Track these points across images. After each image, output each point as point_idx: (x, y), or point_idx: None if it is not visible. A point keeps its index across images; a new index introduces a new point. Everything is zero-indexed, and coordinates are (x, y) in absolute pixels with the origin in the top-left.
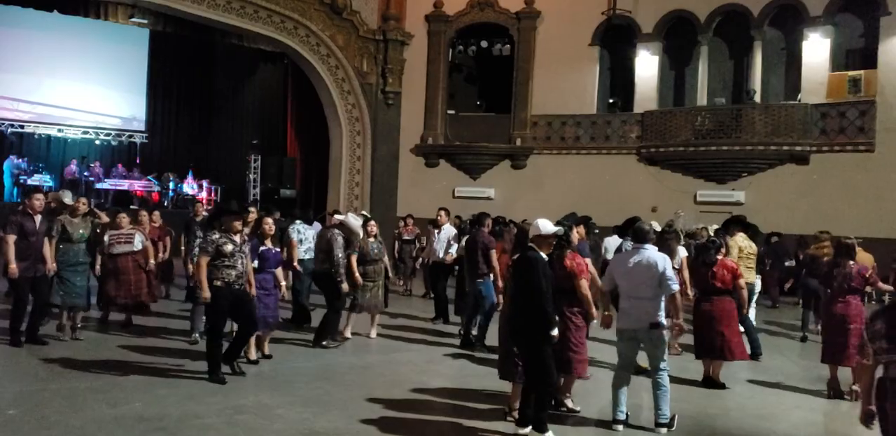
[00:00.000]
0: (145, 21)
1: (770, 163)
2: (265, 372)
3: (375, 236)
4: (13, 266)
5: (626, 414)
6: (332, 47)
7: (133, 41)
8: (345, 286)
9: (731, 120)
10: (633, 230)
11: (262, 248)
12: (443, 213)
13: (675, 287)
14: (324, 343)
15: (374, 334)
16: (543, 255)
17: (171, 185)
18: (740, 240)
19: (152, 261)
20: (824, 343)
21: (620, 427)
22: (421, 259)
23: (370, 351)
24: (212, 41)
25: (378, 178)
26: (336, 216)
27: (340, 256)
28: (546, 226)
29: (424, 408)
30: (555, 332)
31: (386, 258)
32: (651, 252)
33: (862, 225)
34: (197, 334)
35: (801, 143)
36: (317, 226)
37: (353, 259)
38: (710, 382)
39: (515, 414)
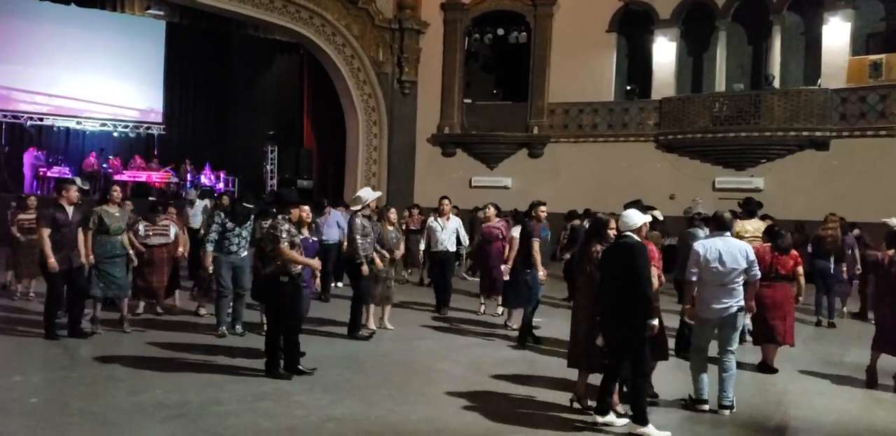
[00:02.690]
0: (161, 13)
1: (789, 149)
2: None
3: (394, 225)
4: (52, 260)
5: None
6: (348, 37)
7: (150, 33)
8: (364, 269)
9: (750, 106)
10: (714, 218)
11: (300, 237)
12: (446, 202)
13: (759, 274)
14: (357, 334)
15: (389, 324)
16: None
17: (189, 176)
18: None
19: (181, 249)
20: (878, 332)
21: (706, 406)
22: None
23: (388, 339)
24: (228, 32)
25: (395, 168)
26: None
27: (357, 238)
28: (636, 217)
29: (443, 395)
30: (654, 321)
31: (402, 248)
32: (736, 240)
33: (883, 211)
34: (224, 328)
35: (820, 128)
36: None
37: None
38: (765, 367)
39: (586, 402)
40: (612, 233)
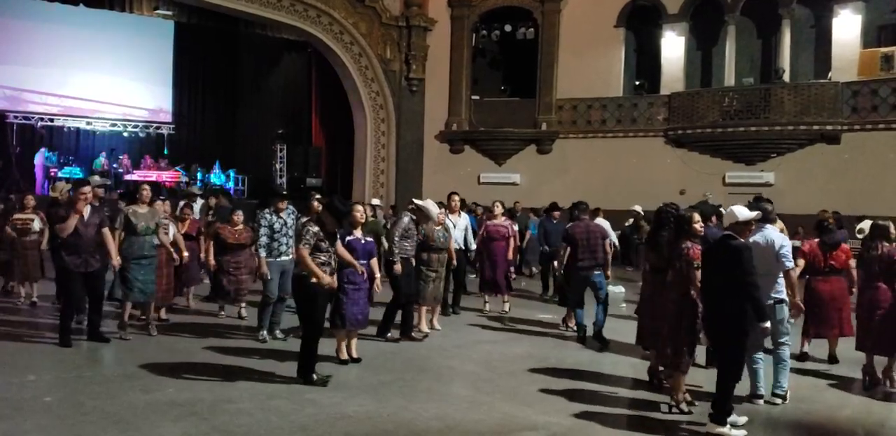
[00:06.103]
0: (170, 13)
1: (800, 143)
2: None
3: (442, 224)
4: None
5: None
6: (356, 35)
7: (158, 33)
8: (397, 267)
9: (760, 100)
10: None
11: (349, 238)
12: (456, 197)
13: (790, 264)
14: (388, 335)
15: (437, 325)
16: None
17: (199, 175)
18: None
19: (186, 254)
20: (857, 330)
21: (761, 402)
22: None
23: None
24: (236, 32)
25: (403, 165)
26: (415, 201)
27: (396, 237)
28: (743, 212)
29: (455, 392)
30: (767, 324)
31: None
32: (770, 231)
33: (894, 205)
34: (265, 332)
35: (831, 122)
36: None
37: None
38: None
39: (683, 407)
40: (698, 227)
